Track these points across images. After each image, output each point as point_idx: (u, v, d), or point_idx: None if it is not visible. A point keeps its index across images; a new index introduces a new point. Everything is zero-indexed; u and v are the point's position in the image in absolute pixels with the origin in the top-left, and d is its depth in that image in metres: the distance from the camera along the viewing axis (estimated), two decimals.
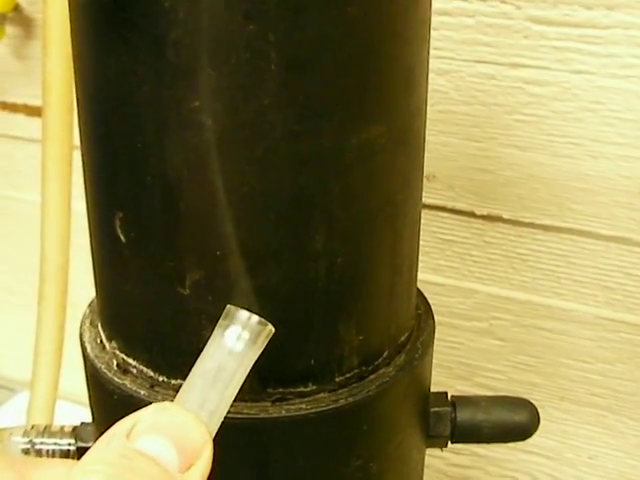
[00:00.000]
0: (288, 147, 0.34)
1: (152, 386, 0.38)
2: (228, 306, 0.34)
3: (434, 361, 0.64)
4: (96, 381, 0.41)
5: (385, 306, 0.39)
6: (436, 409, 0.45)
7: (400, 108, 0.36)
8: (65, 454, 0.46)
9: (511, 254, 0.65)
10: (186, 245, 0.35)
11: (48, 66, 0.62)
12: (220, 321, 0.34)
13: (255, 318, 0.33)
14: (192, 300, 0.36)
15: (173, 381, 0.38)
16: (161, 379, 0.38)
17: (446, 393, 0.46)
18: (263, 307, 0.36)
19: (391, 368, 0.40)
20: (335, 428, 0.38)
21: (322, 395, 0.38)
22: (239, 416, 0.37)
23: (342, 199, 0.35)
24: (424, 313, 0.44)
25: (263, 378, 0.37)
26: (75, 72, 0.37)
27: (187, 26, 0.32)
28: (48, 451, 0.47)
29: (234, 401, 0.34)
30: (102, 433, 0.42)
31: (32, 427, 0.47)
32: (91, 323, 0.43)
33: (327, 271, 0.36)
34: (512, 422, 0.46)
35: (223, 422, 0.35)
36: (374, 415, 0.39)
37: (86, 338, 0.42)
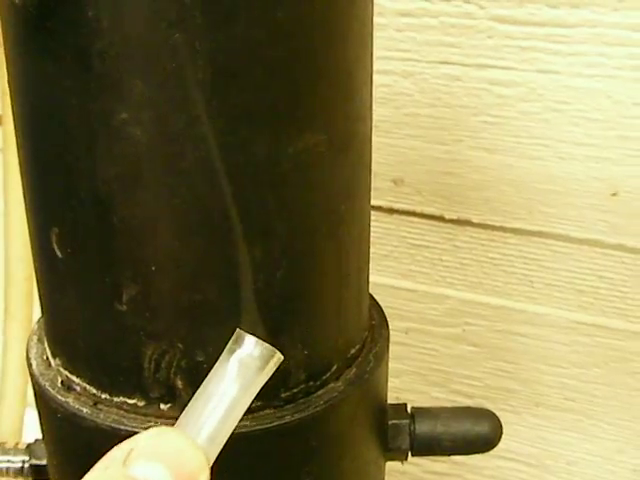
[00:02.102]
0: (220, 158, 0.33)
1: (95, 404, 0.38)
2: (237, 330, 0.33)
3: (408, 368, 0.63)
4: (41, 398, 0.40)
5: (332, 319, 0.38)
6: (394, 422, 0.44)
7: (339, 115, 0.35)
8: (19, 472, 0.46)
9: (482, 258, 0.64)
10: (121, 260, 0.34)
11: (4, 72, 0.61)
12: (229, 345, 0.32)
13: (264, 345, 0.32)
14: (129, 316, 0.35)
15: (116, 398, 0.37)
16: (104, 396, 0.37)
17: (405, 405, 0.45)
18: (202, 322, 0.35)
19: (340, 383, 0.39)
20: (281, 445, 0.37)
21: (267, 411, 0.37)
22: None
23: (279, 211, 0.34)
24: (378, 324, 0.43)
25: None
26: (8, 82, 0.36)
27: (112, 36, 0.31)
28: (1, 469, 0.46)
29: None
30: (51, 452, 0.41)
31: None
32: (38, 340, 0.42)
33: (266, 285, 0.35)
34: (473, 433, 0.45)
35: None
36: (323, 431, 0.38)
37: (32, 355, 0.41)
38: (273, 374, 0.33)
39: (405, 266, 0.66)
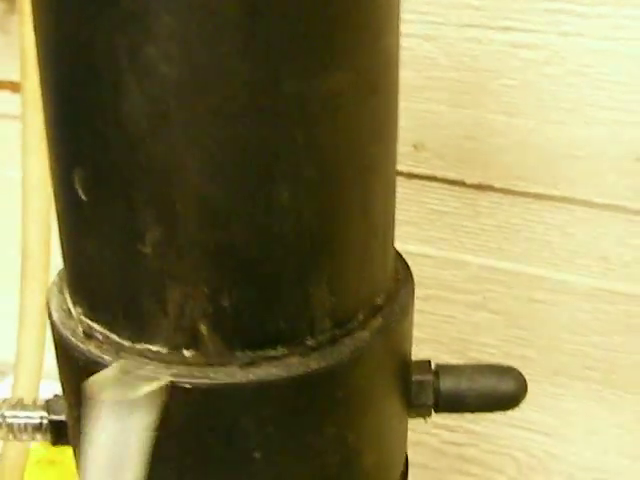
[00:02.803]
0: (249, 95, 0.32)
1: (117, 352, 0.37)
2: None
3: (427, 336, 0.62)
4: (62, 349, 0.39)
5: (358, 266, 0.38)
6: (418, 377, 0.43)
7: (370, 56, 0.35)
8: (37, 428, 0.45)
9: (504, 224, 0.63)
10: (146, 200, 0.34)
11: (25, 35, 0.60)
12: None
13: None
14: (153, 259, 0.35)
15: (138, 346, 0.36)
16: (126, 344, 0.37)
17: (429, 361, 0.44)
18: (228, 265, 0.34)
19: (366, 332, 0.38)
20: (307, 394, 0.37)
21: (293, 359, 0.36)
22: (205, 381, 0.35)
23: (308, 151, 0.34)
24: (403, 277, 0.42)
25: (230, 341, 0.36)
26: (34, 27, 0.35)
27: None
28: (20, 425, 0.45)
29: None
30: (71, 404, 0.40)
31: (3, 401, 0.46)
32: (59, 290, 0.41)
33: (294, 227, 0.35)
34: (498, 391, 0.44)
35: (187, 389, 0.34)
36: (349, 381, 0.38)
37: (53, 305, 0.40)
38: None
39: (425, 232, 0.66)
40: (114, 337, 0.37)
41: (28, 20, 0.56)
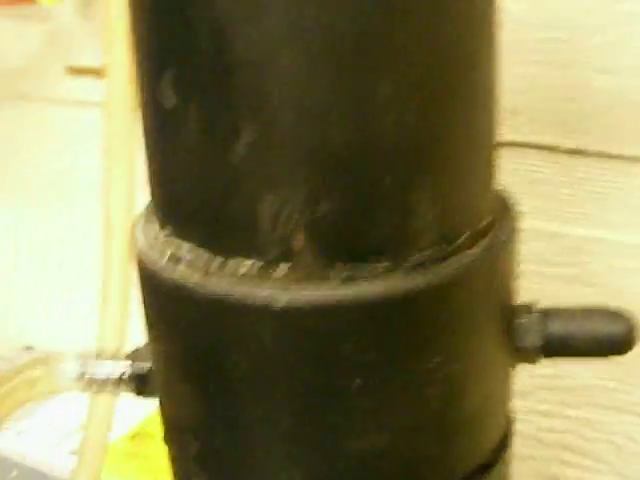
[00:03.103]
0: None
1: (206, 272, 0.34)
2: None
3: None
4: (147, 277, 0.37)
5: (463, 178, 0.35)
6: (524, 319, 0.40)
7: None
8: (118, 382, 0.43)
9: (602, 191, 0.60)
10: (240, 98, 0.32)
11: (109, 17, 0.59)
12: None
13: None
14: (247, 162, 0.32)
15: (230, 262, 0.34)
16: (216, 263, 0.34)
17: (534, 304, 0.41)
18: (326, 167, 0.32)
19: (473, 251, 0.36)
20: (411, 314, 0.34)
21: (397, 275, 0.34)
22: (301, 300, 0.33)
23: (409, 41, 0.32)
24: (506, 210, 0.39)
25: (329, 252, 0.33)
26: None
27: None
28: (102, 376, 0.43)
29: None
30: (156, 338, 0.38)
31: (83, 353, 0.44)
32: (145, 220, 0.39)
33: (396, 125, 0.32)
34: (608, 334, 0.41)
35: (282, 307, 0.33)
36: (454, 303, 0.35)
37: (138, 235, 0.38)
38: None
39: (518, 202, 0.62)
40: (203, 256, 0.35)
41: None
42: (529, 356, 0.41)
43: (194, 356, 0.36)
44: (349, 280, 0.33)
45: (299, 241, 0.33)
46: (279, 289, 0.33)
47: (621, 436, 0.67)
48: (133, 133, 0.61)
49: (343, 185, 0.32)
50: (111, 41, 0.61)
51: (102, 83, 0.58)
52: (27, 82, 0.86)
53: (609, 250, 0.61)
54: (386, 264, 0.34)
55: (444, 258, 0.35)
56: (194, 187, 0.34)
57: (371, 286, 0.33)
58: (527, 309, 0.40)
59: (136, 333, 0.47)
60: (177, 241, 0.36)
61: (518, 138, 0.60)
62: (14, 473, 0.72)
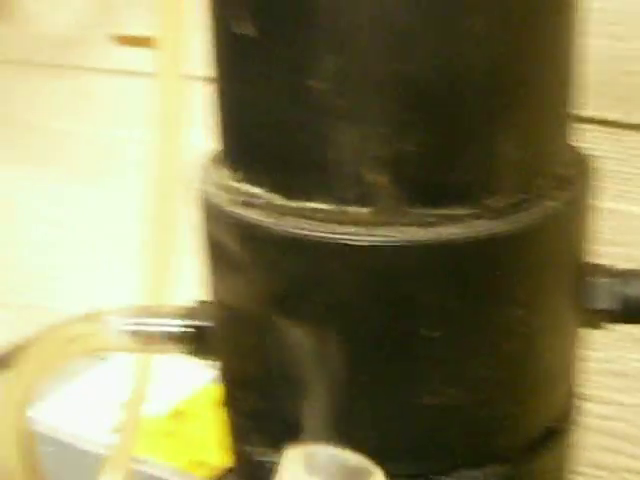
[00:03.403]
0: None
1: (282, 214, 0.33)
2: None
3: None
4: (218, 223, 0.35)
5: (548, 121, 0.34)
6: (602, 279, 0.38)
7: None
8: (177, 337, 0.41)
9: None
10: (321, 25, 0.30)
11: None
12: None
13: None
14: (326, 95, 0.31)
15: (306, 204, 0.33)
16: (291, 205, 0.33)
17: (612, 266, 0.39)
18: (411, 102, 0.30)
19: (554, 202, 0.34)
20: (492, 261, 0.33)
21: (478, 220, 0.32)
22: (379, 241, 0.31)
23: None
24: (585, 160, 0.38)
25: (410, 194, 0.32)
26: None
27: None
28: (156, 333, 0.41)
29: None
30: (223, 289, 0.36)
31: (136, 307, 0.42)
32: (214, 167, 0.37)
33: (486, 61, 0.31)
34: None
35: (359, 248, 0.31)
36: (535, 252, 0.34)
37: (206, 182, 0.37)
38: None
39: None
40: (277, 198, 0.33)
41: None
42: (606, 319, 0.39)
43: (268, 302, 0.34)
44: (429, 223, 0.32)
45: (378, 181, 0.31)
46: (357, 229, 0.32)
47: None
48: (184, 104, 0.59)
49: (429, 121, 0.31)
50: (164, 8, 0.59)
51: (153, 52, 0.57)
52: (73, 51, 0.85)
53: None
54: (467, 209, 0.32)
55: (526, 206, 0.33)
56: (270, 125, 0.33)
57: (451, 230, 0.32)
58: (605, 269, 0.39)
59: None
60: (250, 186, 0.34)
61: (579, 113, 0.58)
62: (51, 449, 0.71)
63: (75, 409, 0.76)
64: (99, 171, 0.88)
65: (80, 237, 0.95)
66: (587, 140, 0.57)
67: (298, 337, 0.34)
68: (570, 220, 0.35)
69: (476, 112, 0.31)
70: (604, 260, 0.40)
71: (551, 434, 0.38)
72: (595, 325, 0.39)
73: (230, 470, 0.42)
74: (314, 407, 0.34)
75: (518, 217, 0.33)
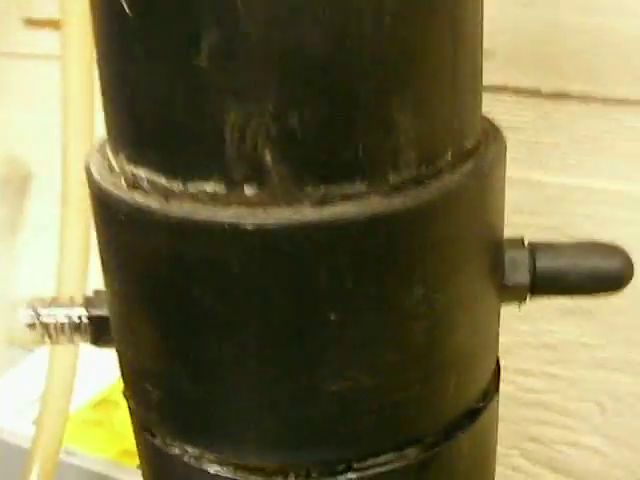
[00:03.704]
0: None
1: (166, 197, 0.31)
2: None
3: None
4: (102, 209, 0.34)
5: (446, 91, 0.32)
6: (511, 254, 0.37)
7: None
8: (76, 326, 0.39)
9: (583, 137, 0.57)
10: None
11: None
12: None
13: None
14: (209, 73, 0.29)
15: (191, 186, 0.31)
16: (176, 187, 0.31)
17: (522, 238, 0.38)
18: (296, 75, 0.29)
19: (456, 175, 0.32)
20: (389, 239, 0.31)
21: (374, 198, 0.31)
22: (271, 221, 0.30)
23: None
24: (493, 134, 0.36)
25: (300, 172, 0.30)
26: None
27: None
28: (56, 324, 0.40)
29: None
30: (113, 278, 0.35)
31: (37, 299, 0.41)
32: (99, 153, 0.36)
33: (375, 30, 0.29)
34: (602, 269, 0.38)
35: (249, 231, 0.30)
36: (435, 229, 0.32)
37: (92, 167, 0.35)
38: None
39: None
40: (162, 181, 0.31)
41: None
42: (517, 294, 0.38)
43: (154, 290, 0.32)
44: (322, 202, 0.30)
45: (267, 159, 0.30)
46: (247, 210, 0.30)
47: (606, 395, 0.64)
48: (92, 87, 0.57)
49: (315, 96, 0.29)
50: None
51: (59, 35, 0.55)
52: None
53: (593, 199, 0.58)
54: (362, 186, 0.31)
55: (425, 181, 0.32)
56: (151, 106, 0.31)
57: (345, 208, 0.30)
58: (515, 243, 0.37)
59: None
60: (133, 168, 0.32)
61: (497, 82, 0.57)
62: None
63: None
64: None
65: None
66: (505, 108, 0.56)
67: (192, 325, 0.32)
68: (476, 194, 0.33)
69: (367, 84, 0.30)
70: (519, 232, 0.39)
71: (472, 414, 0.36)
72: (511, 300, 0.38)
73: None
74: (218, 397, 0.33)
75: (417, 193, 0.31)
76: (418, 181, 0.32)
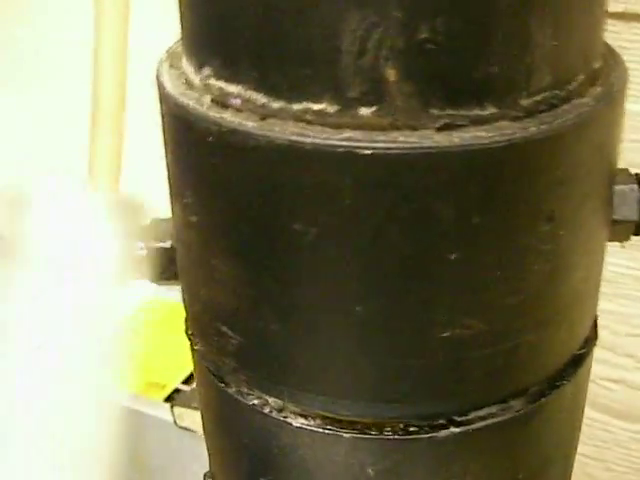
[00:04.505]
0: None
1: (264, 117, 0.27)
2: None
3: None
4: (181, 127, 0.29)
5: (584, 5, 0.28)
6: (621, 187, 0.33)
7: None
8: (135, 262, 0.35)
9: None
10: None
11: None
12: None
13: None
14: None
15: (295, 106, 0.27)
16: (277, 105, 0.27)
17: (628, 170, 0.34)
18: None
19: (587, 99, 0.28)
20: (519, 169, 0.28)
21: (505, 122, 0.27)
22: (391, 147, 0.26)
23: None
24: (611, 55, 0.32)
25: (426, 92, 0.26)
26: None
27: None
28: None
29: None
30: (186, 207, 0.31)
31: None
32: (171, 65, 0.31)
33: None
34: None
35: (366, 156, 0.26)
36: (568, 157, 0.28)
37: (166, 82, 0.30)
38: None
39: None
40: (259, 98, 0.27)
41: None
42: (625, 230, 0.34)
43: (244, 222, 0.28)
44: (449, 126, 0.26)
45: (389, 75, 0.26)
46: (362, 133, 0.26)
47: None
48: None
49: (450, 5, 0.25)
50: None
51: None
52: None
53: None
54: (493, 109, 0.26)
55: (557, 105, 0.28)
56: (252, 11, 0.26)
57: (477, 133, 0.26)
58: (624, 175, 0.34)
59: None
60: (221, 83, 0.28)
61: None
62: None
63: None
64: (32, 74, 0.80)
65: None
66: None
67: (288, 262, 0.28)
68: (605, 120, 0.30)
69: None
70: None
71: (576, 361, 0.33)
72: (617, 237, 0.34)
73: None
74: (311, 342, 0.29)
75: (547, 119, 0.28)
76: (551, 105, 0.28)
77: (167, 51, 0.33)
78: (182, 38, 0.31)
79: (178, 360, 0.66)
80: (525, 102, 0.27)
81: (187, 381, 0.70)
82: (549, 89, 0.28)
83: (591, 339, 0.34)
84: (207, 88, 0.29)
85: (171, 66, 0.32)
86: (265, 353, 0.31)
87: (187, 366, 0.65)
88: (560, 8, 0.27)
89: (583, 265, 0.31)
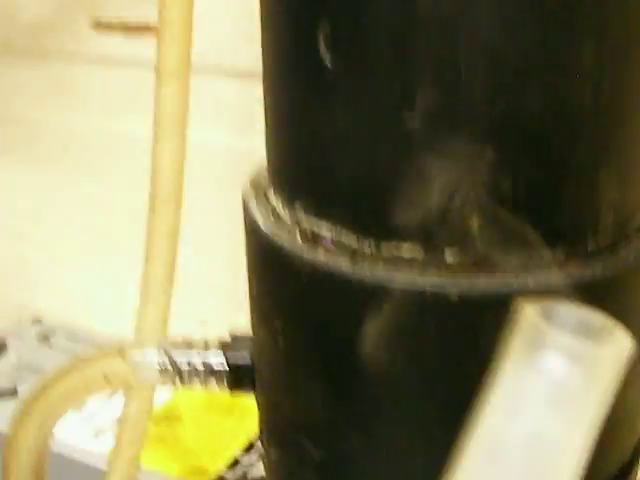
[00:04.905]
0: None
1: (354, 258, 0.30)
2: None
3: None
4: (271, 261, 0.32)
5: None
6: None
7: None
8: (212, 372, 0.38)
9: None
10: (419, 55, 0.27)
11: None
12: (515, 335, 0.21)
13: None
14: (420, 131, 0.28)
15: (384, 247, 0.29)
16: (365, 246, 0.30)
17: None
18: (514, 140, 0.27)
19: None
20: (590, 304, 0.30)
21: (572, 264, 0.30)
22: (477, 287, 0.28)
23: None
24: None
25: (505, 240, 0.29)
26: None
27: None
28: (191, 370, 0.38)
29: None
30: (272, 334, 0.33)
31: (166, 340, 0.39)
32: (256, 196, 0.34)
33: (593, 95, 0.28)
34: None
35: (451, 301, 0.28)
36: (628, 293, 0.31)
37: (254, 211, 0.33)
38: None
39: None
40: (350, 237, 0.30)
41: None
42: None
43: (333, 348, 0.31)
44: (525, 268, 0.29)
45: (473, 225, 0.28)
46: (450, 277, 0.29)
47: None
48: (187, 102, 0.54)
49: (530, 162, 0.28)
50: None
51: (151, 42, 0.52)
52: (49, 37, 0.79)
53: None
54: (561, 253, 0.29)
55: (618, 244, 0.31)
56: (346, 159, 0.29)
57: (549, 275, 0.29)
58: None
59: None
60: (311, 219, 0.31)
61: None
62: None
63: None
64: (77, 163, 0.83)
65: (50, 230, 0.90)
66: None
67: (376, 386, 0.31)
68: None
69: (581, 151, 0.28)
70: None
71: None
72: None
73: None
74: (395, 463, 0.32)
75: (611, 258, 0.30)
76: (612, 246, 0.30)
77: (250, 180, 0.35)
78: (269, 170, 0.34)
79: (222, 444, 0.68)
80: (592, 243, 0.30)
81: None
82: (612, 230, 0.30)
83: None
84: (296, 223, 0.32)
85: (257, 196, 0.34)
86: (346, 470, 0.33)
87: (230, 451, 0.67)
88: (626, 159, 0.30)
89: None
